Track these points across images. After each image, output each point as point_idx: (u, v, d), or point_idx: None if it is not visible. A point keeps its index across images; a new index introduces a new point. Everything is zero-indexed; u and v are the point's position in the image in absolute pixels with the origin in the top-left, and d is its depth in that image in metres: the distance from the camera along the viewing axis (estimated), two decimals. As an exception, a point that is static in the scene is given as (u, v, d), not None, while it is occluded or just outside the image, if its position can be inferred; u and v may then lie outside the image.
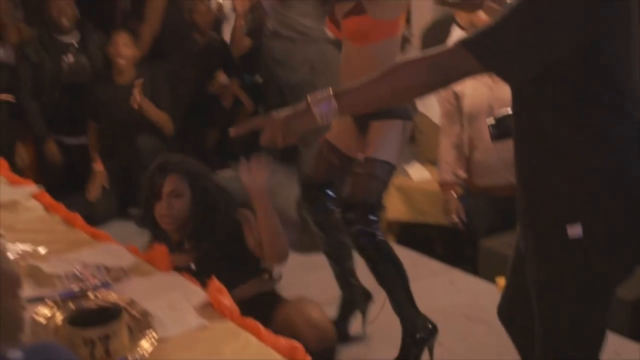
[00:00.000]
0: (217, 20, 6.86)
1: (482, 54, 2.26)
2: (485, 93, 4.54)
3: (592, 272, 2.37)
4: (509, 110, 2.67)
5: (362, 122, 3.58)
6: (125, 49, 5.49)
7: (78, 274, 2.68)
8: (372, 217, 3.51)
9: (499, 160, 4.47)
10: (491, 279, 4.25)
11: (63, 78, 5.82)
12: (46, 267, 2.76)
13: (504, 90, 4.09)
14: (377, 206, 3.60)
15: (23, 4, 6.38)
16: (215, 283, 2.56)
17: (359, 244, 3.53)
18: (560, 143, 2.35)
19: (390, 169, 3.60)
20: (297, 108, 2.40)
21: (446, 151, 4.75)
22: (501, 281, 4.19)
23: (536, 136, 2.43)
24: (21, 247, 2.94)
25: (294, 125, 2.41)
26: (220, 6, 7.04)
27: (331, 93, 2.36)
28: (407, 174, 5.31)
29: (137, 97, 5.34)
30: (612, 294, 2.46)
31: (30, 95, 5.74)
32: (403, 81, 2.41)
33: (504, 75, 2.36)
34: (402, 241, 5.16)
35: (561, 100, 2.33)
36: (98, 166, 5.55)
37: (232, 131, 2.47)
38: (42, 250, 2.94)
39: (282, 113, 2.41)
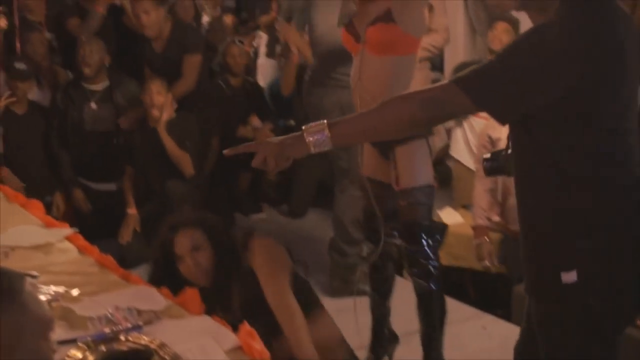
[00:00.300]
0: (251, 64, 6.92)
1: (473, 91, 2.30)
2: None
3: (591, 314, 2.36)
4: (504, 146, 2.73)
5: (385, 148, 3.59)
6: (158, 98, 5.51)
7: (110, 316, 2.68)
8: (427, 240, 3.59)
9: None
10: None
11: (86, 126, 5.85)
12: (78, 309, 2.77)
13: None
14: (430, 229, 3.64)
15: (61, 47, 6.48)
16: (246, 327, 2.55)
17: (416, 266, 3.60)
18: (549, 187, 2.38)
19: (429, 190, 3.65)
20: (292, 135, 2.48)
21: (480, 196, 4.73)
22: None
23: (528, 179, 2.46)
24: (54, 289, 2.94)
25: (287, 151, 2.48)
26: (255, 50, 7.11)
27: (326, 124, 2.43)
28: (440, 219, 5.30)
29: (161, 129, 5.40)
30: (616, 334, 2.44)
31: (57, 142, 5.80)
32: (395, 115, 2.46)
33: (493, 114, 2.38)
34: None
35: (548, 143, 2.36)
36: (131, 210, 5.57)
37: (226, 152, 2.54)
38: (75, 292, 2.94)
39: (277, 138, 2.51)
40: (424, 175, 3.64)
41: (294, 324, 2.92)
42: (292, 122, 6.75)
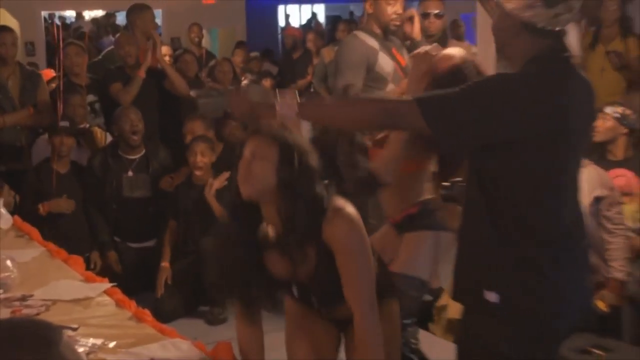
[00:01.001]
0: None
1: (429, 116, 2.48)
2: None
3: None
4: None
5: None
6: (202, 159, 5.61)
7: (146, 367, 2.74)
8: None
9: None
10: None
11: (124, 192, 5.97)
12: (115, 362, 2.82)
13: (591, 184, 4.16)
14: (405, 326, 3.50)
15: (102, 110, 6.61)
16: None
17: None
18: (482, 218, 2.61)
19: (418, 283, 3.62)
20: (267, 99, 2.77)
21: None
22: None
23: (469, 206, 2.72)
24: (92, 341, 2.99)
25: (256, 110, 2.75)
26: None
27: (297, 100, 2.67)
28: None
29: (210, 195, 5.48)
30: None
31: (93, 205, 5.91)
32: (359, 113, 2.71)
33: (440, 141, 2.61)
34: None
35: (489, 180, 2.60)
36: (165, 263, 5.63)
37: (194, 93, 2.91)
38: (112, 344, 2.98)
39: (255, 97, 2.81)
40: (418, 266, 3.63)
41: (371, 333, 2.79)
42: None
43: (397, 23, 4.67)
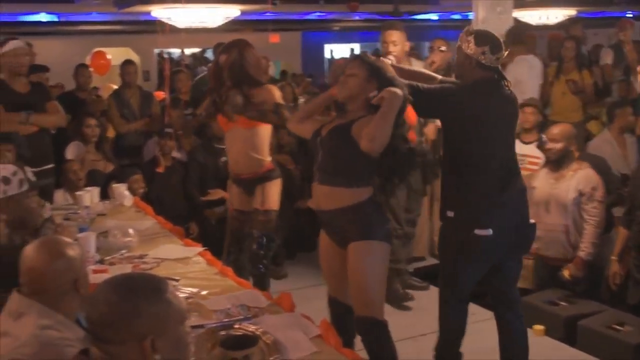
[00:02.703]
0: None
1: (412, 95, 3.04)
2: (547, 190, 4.44)
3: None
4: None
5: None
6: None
7: (228, 310, 2.72)
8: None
9: (548, 238, 4.41)
10: (529, 325, 4.08)
11: (220, 173, 5.93)
12: (206, 305, 2.81)
13: (562, 190, 4.10)
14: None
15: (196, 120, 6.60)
16: (325, 322, 2.55)
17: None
18: (451, 168, 3.26)
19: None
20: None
21: None
22: (537, 327, 4.06)
23: (445, 160, 3.29)
24: (190, 289, 2.99)
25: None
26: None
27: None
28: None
29: None
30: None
31: (195, 185, 5.85)
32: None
33: (416, 110, 3.22)
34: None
35: (449, 143, 3.26)
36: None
37: None
38: (204, 292, 2.98)
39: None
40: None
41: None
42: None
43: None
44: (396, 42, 4.44)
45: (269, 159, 4.18)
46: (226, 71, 3.97)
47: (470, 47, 3.10)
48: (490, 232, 3.07)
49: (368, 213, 2.98)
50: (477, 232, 3.08)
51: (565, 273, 4.27)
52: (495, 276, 3.31)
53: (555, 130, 4.40)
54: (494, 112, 3.11)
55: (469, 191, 3.13)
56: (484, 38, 3.12)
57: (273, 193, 4.14)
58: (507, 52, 3.26)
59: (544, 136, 4.79)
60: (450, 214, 3.18)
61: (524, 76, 6.29)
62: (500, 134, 3.16)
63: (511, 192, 3.14)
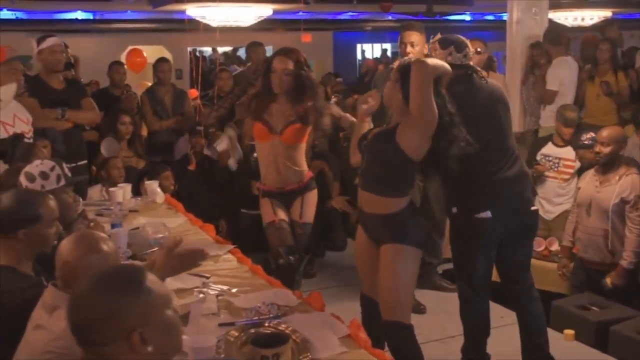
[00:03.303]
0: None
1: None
2: (590, 192, 4.39)
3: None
4: None
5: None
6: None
7: (258, 308, 2.71)
8: None
9: (587, 241, 4.36)
10: (559, 330, 4.05)
11: (251, 170, 5.92)
12: (236, 302, 2.81)
13: (604, 195, 4.03)
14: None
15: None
16: (355, 322, 2.55)
17: None
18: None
19: None
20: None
21: (569, 224, 4.64)
22: (568, 332, 4.01)
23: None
24: (220, 287, 3.00)
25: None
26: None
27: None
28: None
29: None
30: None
31: (220, 185, 5.88)
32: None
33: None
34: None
35: None
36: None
37: None
38: (234, 290, 2.98)
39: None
40: None
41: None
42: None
43: None
44: (415, 43, 4.34)
45: (306, 168, 3.96)
46: (289, 81, 3.71)
47: (437, 53, 3.29)
48: (489, 214, 3.22)
49: (404, 220, 3.06)
50: (477, 216, 3.24)
51: (608, 281, 4.22)
52: (505, 265, 3.45)
53: (605, 133, 4.32)
54: (472, 101, 3.23)
55: (464, 182, 3.25)
56: (446, 41, 3.31)
57: (311, 205, 3.93)
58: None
59: (585, 136, 4.74)
60: (454, 210, 3.36)
61: (566, 78, 6.25)
62: (484, 121, 3.25)
63: (507, 175, 3.27)
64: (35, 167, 3.03)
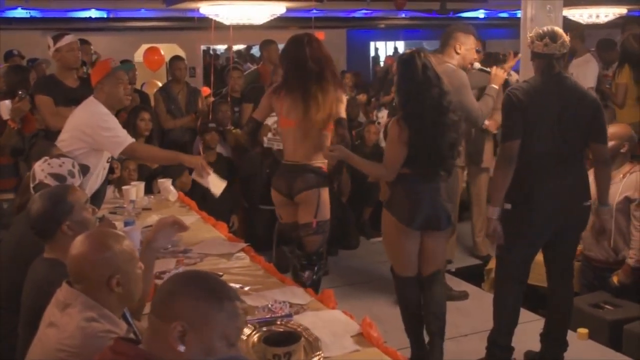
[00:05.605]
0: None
1: None
2: (594, 189, 4.34)
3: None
4: None
5: None
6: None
7: (270, 306, 2.73)
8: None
9: (591, 239, 4.30)
10: (573, 329, 4.01)
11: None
12: (249, 301, 2.80)
13: (627, 186, 3.94)
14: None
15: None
16: (367, 320, 2.54)
17: None
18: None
19: None
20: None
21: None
22: (582, 330, 3.98)
23: None
24: (233, 285, 2.98)
25: None
26: (378, 122, 7.09)
27: None
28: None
29: None
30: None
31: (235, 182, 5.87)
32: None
33: None
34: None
35: None
36: None
37: None
38: (246, 288, 3.00)
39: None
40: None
41: None
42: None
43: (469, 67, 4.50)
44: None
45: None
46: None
47: (535, 45, 3.49)
48: (509, 206, 3.46)
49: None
50: (505, 207, 3.48)
51: (614, 279, 4.19)
52: (549, 251, 3.67)
53: (610, 130, 4.28)
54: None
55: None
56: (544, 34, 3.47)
57: (326, 201, 3.86)
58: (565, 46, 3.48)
59: None
60: (507, 206, 3.51)
61: (594, 74, 6.24)
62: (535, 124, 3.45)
63: (542, 175, 3.45)
64: (59, 167, 3.02)
